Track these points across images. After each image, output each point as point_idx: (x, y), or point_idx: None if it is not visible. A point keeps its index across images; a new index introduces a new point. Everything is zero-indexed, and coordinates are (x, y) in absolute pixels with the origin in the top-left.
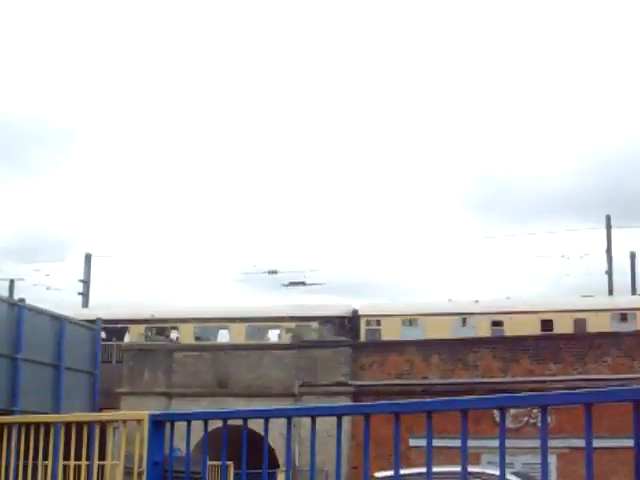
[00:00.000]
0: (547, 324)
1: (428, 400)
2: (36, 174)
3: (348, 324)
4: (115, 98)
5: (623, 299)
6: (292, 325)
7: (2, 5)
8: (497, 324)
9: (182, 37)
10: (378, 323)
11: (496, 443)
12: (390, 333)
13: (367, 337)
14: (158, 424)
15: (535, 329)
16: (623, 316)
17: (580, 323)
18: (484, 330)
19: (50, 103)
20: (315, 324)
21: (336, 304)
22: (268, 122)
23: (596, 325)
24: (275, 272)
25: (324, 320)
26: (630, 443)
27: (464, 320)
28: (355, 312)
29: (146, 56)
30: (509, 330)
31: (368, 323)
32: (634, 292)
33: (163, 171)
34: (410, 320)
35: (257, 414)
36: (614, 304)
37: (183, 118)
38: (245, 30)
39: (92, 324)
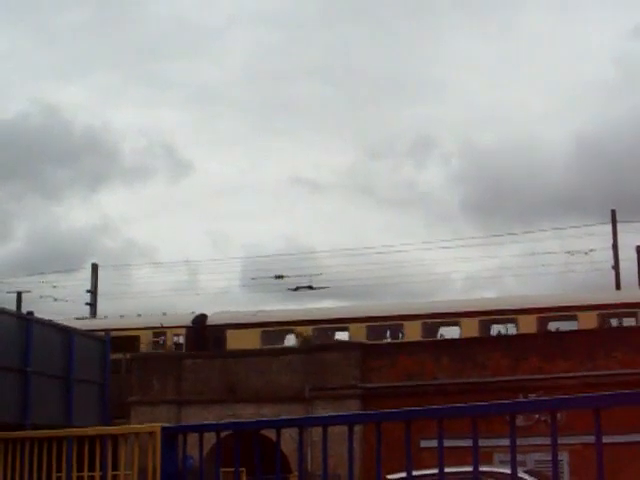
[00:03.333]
0: None
1: (438, 407)
2: (49, 189)
3: None
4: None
5: None
6: None
7: None
8: None
9: None
10: None
11: (508, 442)
12: None
13: None
14: (171, 436)
15: None
16: None
17: None
18: None
19: (67, 121)
20: None
21: None
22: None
23: None
24: (281, 277)
25: None
26: None
27: None
28: None
29: None
30: None
31: None
32: None
33: (165, 173)
34: None
35: (268, 425)
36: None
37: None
38: None
39: (101, 334)
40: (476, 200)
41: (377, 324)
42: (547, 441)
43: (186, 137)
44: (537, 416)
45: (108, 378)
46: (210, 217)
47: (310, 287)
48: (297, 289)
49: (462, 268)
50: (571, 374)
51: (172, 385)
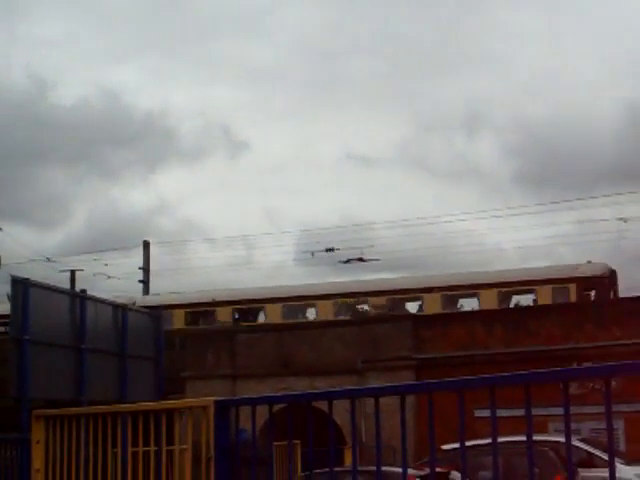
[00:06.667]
0: None
1: (490, 376)
2: (108, 171)
3: None
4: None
5: None
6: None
7: None
8: None
9: None
10: None
11: (562, 410)
12: None
13: None
14: (223, 409)
15: None
16: None
17: None
18: None
19: (125, 104)
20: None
21: None
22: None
23: None
24: (332, 250)
25: None
26: None
27: None
28: None
29: None
30: None
31: None
32: None
33: (221, 152)
34: None
35: (320, 397)
36: None
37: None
38: None
39: (154, 311)
40: (528, 171)
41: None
42: (602, 409)
43: (241, 116)
44: (592, 385)
45: (162, 354)
46: (265, 193)
47: (361, 259)
48: (348, 261)
49: (514, 238)
50: (625, 341)
51: (226, 359)
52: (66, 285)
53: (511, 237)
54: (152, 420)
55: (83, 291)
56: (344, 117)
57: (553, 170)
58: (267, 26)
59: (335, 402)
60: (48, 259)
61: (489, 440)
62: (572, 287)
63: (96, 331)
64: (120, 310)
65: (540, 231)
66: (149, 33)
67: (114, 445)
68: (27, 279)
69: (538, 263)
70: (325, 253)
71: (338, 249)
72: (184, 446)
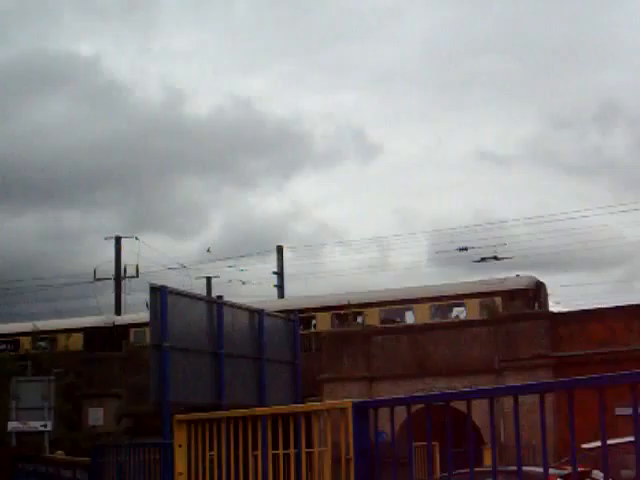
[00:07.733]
0: None
1: (632, 372)
2: (243, 179)
3: None
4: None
5: None
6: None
7: None
8: None
9: None
10: None
11: None
12: None
13: None
14: (362, 411)
15: None
16: None
17: None
18: None
19: (258, 112)
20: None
21: None
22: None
23: None
24: (465, 249)
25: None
26: None
27: None
28: None
29: None
30: None
31: None
32: None
33: (354, 155)
34: None
35: (458, 397)
36: None
37: None
38: None
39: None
40: None
41: None
42: None
43: (372, 119)
44: None
45: (299, 357)
46: (398, 194)
47: (495, 258)
48: (482, 260)
49: None
50: None
51: (362, 361)
52: (202, 292)
53: None
54: (291, 423)
55: (219, 297)
56: (474, 116)
57: None
58: (395, 28)
59: (473, 402)
60: (184, 267)
61: (631, 438)
62: (498, 300)
63: (233, 336)
64: (256, 315)
65: None
66: (278, 41)
67: (254, 448)
68: (164, 286)
69: None
70: (457, 253)
71: (472, 248)
72: (323, 448)
